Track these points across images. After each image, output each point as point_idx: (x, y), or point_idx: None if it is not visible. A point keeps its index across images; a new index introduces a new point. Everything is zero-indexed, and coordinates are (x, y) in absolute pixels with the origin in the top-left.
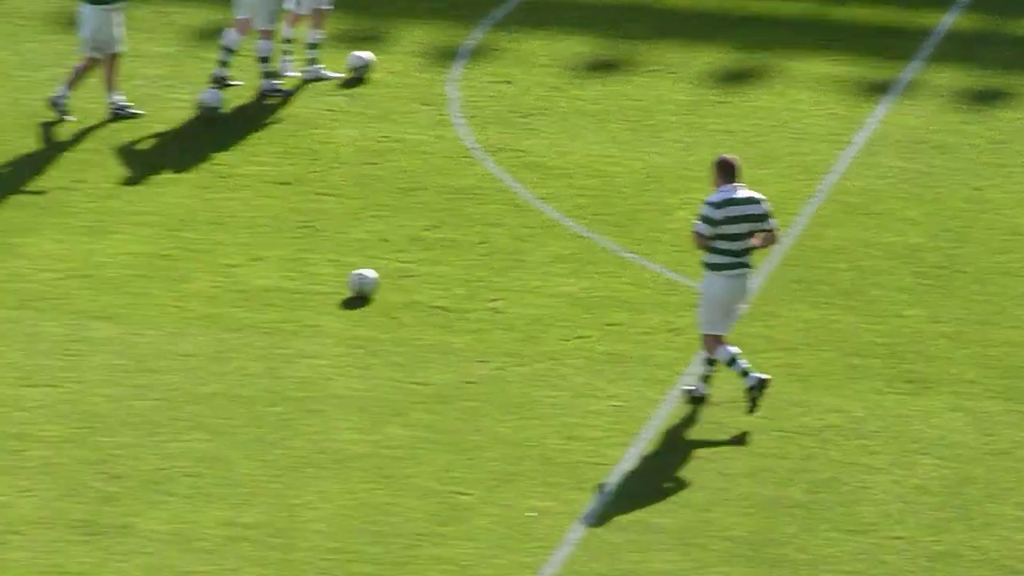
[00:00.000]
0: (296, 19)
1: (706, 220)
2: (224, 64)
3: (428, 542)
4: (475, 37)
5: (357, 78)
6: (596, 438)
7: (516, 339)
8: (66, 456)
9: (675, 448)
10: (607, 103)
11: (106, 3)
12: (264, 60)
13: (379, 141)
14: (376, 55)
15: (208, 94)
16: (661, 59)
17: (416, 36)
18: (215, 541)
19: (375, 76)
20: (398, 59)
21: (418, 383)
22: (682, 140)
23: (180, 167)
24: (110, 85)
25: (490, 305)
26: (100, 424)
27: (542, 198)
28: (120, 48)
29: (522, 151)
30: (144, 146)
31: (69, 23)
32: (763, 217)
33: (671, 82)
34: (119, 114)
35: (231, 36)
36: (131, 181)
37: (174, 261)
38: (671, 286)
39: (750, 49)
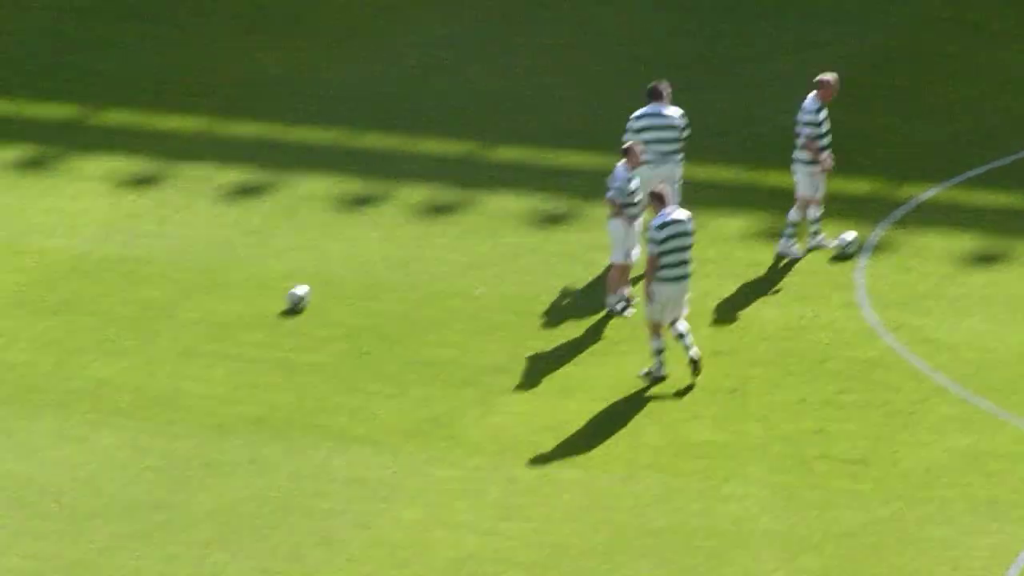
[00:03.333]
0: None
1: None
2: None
3: None
4: (878, 233)
5: (788, 262)
6: (979, 568)
7: (912, 485)
8: None
9: None
10: (991, 290)
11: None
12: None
13: (798, 319)
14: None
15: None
16: None
17: (830, 232)
18: None
19: (799, 265)
20: (816, 252)
21: (829, 522)
22: None
23: (633, 339)
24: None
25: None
26: (565, 555)
27: (934, 368)
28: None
29: (917, 328)
30: (596, 318)
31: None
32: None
33: None
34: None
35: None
36: (589, 352)
37: (629, 418)
38: None
39: None
